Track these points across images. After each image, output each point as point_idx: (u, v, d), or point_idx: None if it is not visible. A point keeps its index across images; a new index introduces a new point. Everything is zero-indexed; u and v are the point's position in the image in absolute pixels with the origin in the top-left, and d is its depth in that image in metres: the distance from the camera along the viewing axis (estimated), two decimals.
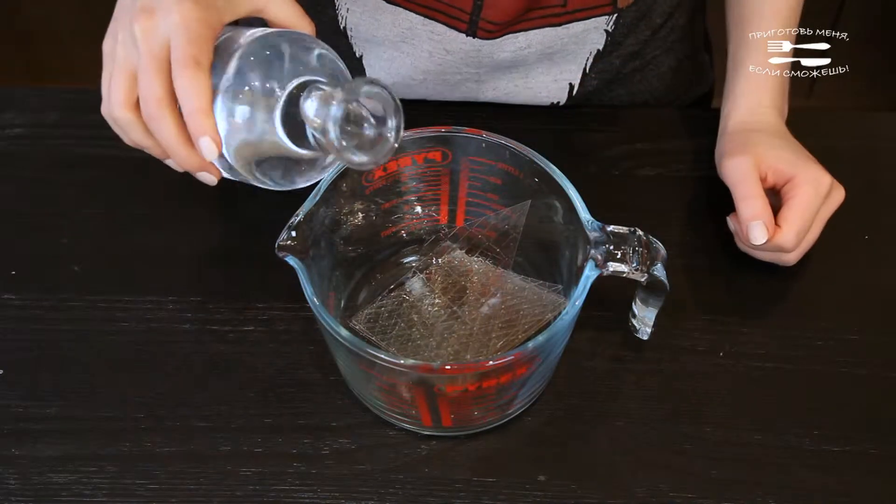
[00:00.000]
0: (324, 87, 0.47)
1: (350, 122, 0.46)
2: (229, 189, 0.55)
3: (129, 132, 0.50)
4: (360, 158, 0.47)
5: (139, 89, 0.47)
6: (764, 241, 0.60)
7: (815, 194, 0.61)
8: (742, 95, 0.69)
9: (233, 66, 0.47)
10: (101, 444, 0.56)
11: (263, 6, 0.51)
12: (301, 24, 0.51)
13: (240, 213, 0.68)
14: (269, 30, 0.50)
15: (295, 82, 0.47)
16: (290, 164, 0.49)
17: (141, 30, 0.46)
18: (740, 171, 0.63)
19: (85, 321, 0.62)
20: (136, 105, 0.48)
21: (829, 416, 0.58)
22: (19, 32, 1.78)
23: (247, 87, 0.47)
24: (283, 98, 0.47)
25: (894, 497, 0.55)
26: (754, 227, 0.60)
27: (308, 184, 0.51)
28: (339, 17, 0.75)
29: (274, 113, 0.47)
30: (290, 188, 0.51)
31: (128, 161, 0.72)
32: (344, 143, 0.45)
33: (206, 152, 0.47)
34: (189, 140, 0.47)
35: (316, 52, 0.49)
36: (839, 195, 0.63)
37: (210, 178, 0.50)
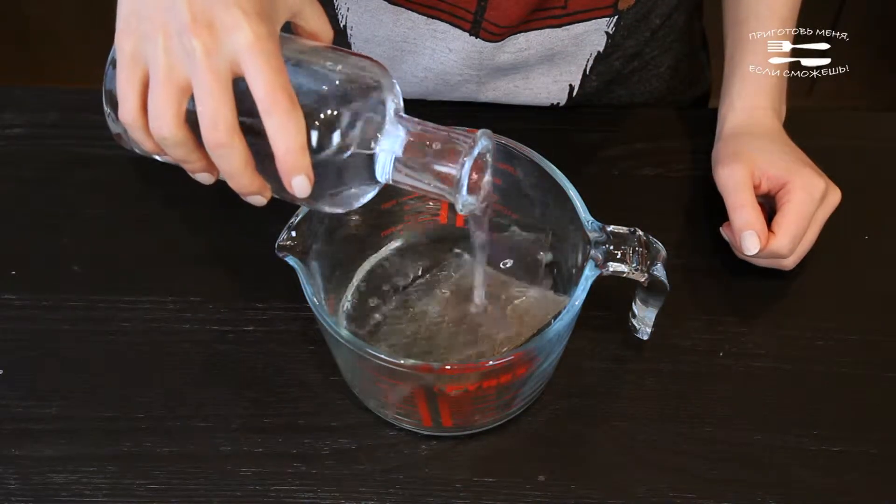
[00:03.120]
0: (430, 129, 0.47)
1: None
2: (230, 189, 0.55)
3: (175, 150, 0.45)
4: (473, 200, 0.49)
5: (203, 112, 0.42)
6: (756, 250, 0.60)
7: (808, 199, 0.61)
8: (739, 97, 0.69)
9: (319, 96, 0.45)
10: (101, 444, 0.56)
11: (299, 11, 0.48)
12: (327, 32, 0.50)
13: (240, 213, 0.67)
14: (326, 46, 0.49)
15: (394, 125, 0.47)
16: (346, 190, 0.48)
17: (202, 46, 0.41)
18: (733, 180, 0.63)
19: (85, 321, 0.62)
20: (185, 122, 0.44)
21: (829, 416, 0.58)
22: (19, 32, 1.78)
23: (336, 121, 0.45)
24: (379, 139, 0.46)
25: (894, 497, 0.55)
26: (747, 237, 0.60)
27: (358, 206, 0.50)
28: (339, 16, 0.75)
29: (366, 152, 0.46)
30: (338, 211, 0.50)
31: (128, 161, 0.72)
32: (467, 192, 0.47)
33: (299, 191, 0.44)
34: (252, 164, 0.44)
35: (384, 80, 0.48)
36: (835, 198, 0.63)
37: (261, 200, 0.47)
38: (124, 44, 0.44)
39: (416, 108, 0.77)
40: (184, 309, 0.63)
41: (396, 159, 0.47)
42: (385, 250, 0.64)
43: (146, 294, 0.64)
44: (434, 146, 0.47)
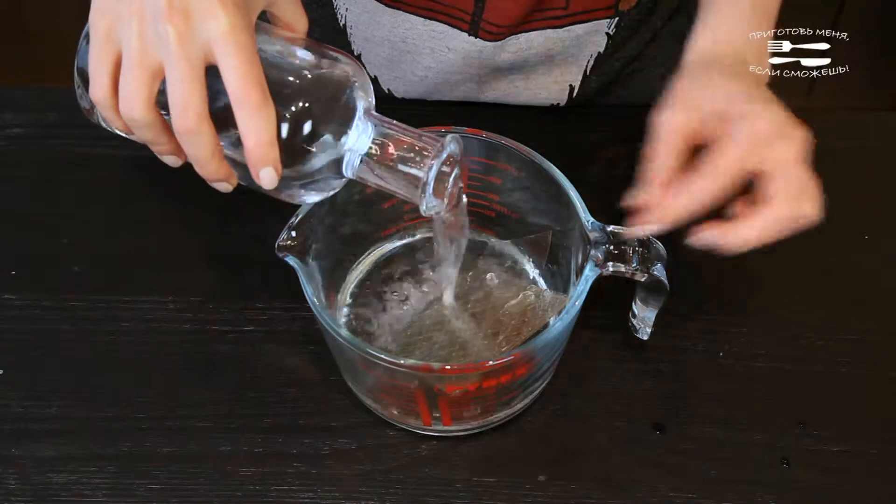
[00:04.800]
0: (402, 132, 0.47)
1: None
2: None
3: (144, 132, 0.45)
4: (437, 204, 0.49)
5: (174, 98, 0.42)
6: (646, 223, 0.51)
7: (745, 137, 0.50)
8: (707, 27, 0.58)
9: (291, 89, 0.45)
10: (101, 444, 0.56)
11: (275, 0, 0.48)
12: (303, 22, 0.50)
13: (240, 213, 0.68)
14: (301, 38, 0.49)
15: (364, 125, 0.47)
16: (312, 183, 0.49)
17: (176, 33, 0.41)
18: (659, 129, 0.52)
19: (85, 321, 0.62)
20: (155, 105, 0.44)
21: (829, 416, 0.58)
22: (19, 32, 1.78)
23: (306, 115, 0.45)
24: (349, 135, 0.47)
25: (894, 497, 0.55)
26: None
27: (322, 198, 0.51)
28: (339, 16, 0.75)
29: (334, 147, 0.46)
30: (303, 202, 0.51)
31: (128, 161, 0.72)
32: (433, 195, 0.48)
33: (266, 182, 0.44)
34: (220, 152, 0.44)
35: (357, 77, 0.48)
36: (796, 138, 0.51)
37: (227, 187, 0.47)
38: (98, 22, 0.44)
39: (416, 108, 0.77)
40: (184, 309, 0.63)
41: (363, 157, 0.47)
42: (385, 250, 0.64)
43: (146, 294, 0.64)
44: (402, 147, 0.47)
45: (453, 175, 0.50)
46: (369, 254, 0.64)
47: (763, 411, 0.58)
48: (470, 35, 0.70)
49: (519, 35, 0.71)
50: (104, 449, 0.56)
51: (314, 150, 0.46)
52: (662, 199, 0.51)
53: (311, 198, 0.50)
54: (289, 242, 0.51)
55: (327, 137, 0.46)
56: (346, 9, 0.74)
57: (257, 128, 0.42)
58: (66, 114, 0.76)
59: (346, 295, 0.62)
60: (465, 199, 0.53)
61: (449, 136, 0.48)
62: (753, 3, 0.59)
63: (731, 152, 0.50)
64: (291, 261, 0.51)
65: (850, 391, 0.59)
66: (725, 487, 0.55)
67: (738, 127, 0.50)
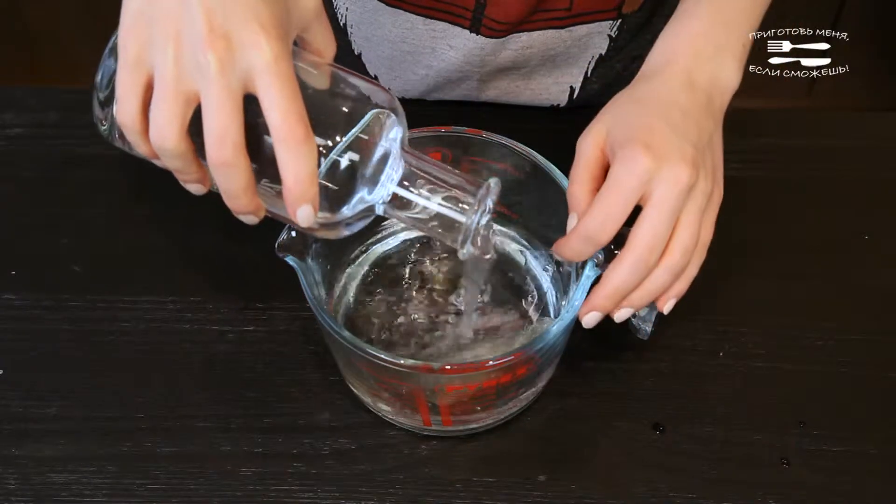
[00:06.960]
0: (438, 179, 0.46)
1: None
2: None
3: (173, 161, 0.42)
4: (471, 250, 0.48)
5: (211, 128, 0.40)
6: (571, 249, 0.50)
7: (627, 173, 0.47)
8: (665, 39, 0.54)
9: (329, 124, 0.43)
10: (101, 444, 0.56)
11: (308, 26, 0.46)
12: (332, 48, 0.48)
13: None
14: (335, 66, 0.47)
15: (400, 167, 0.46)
16: (343, 219, 0.47)
17: (217, 61, 0.39)
18: (579, 147, 0.52)
19: (85, 321, 0.62)
20: (188, 134, 0.42)
21: (829, 416, 0.58)
22: (19, 32, 1.78)
23: (344, 151, 0.43)
24: (388, 176, 0.45)
25: (894, 497, 0.55)
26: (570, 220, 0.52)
27: (348, 234, 0.49)
28: (339, 15, 0.75)
29: (369, 185, 0.45)
30: (329, 237, 0.49)
31: (128, 161, 0.71)
32: (470, 242, 0.47)
33: (302, 220, 0.42)
34: (253, 186, 0.42)
35: (393, 110, 0.46)
36: (688, 180, 0.48)
37: (254, 220, 0.45)
38: (129, 44, 0.42)
39: (416, 107, 0.77)
40: (184, 309, 0.63)
41: (397, 195, 0.46)
42: (385, 249, 0.64)
43: (146, 294, 0.64)
44: (442, 189, 0.46)
45: (488, 219, 0.48)
46: (369, 253, 0.64)
47: (763, 411, 0.58)
48: (471, 32, 0.70)
49: (521, 34, 0.71)
50: (104, 449, 0.56)
51: (349, 186, 0.44)
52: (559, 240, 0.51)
53: (340, 234, 0.48)
54: (289, 242, 0.51)
55: (363, 174, 0.44)
56: (347, 8, 0.74)
57: (299, 165, 0.40)
58: (66, 114, 0.76)
59: (346, 295, 0.62)
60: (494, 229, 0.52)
61: (493, 181, 0.46)
62: (715, 18, 0.55)
63: (608, 196, 0.48)
64: (291, 261, 0.51)
65: (850, 391, 0.59)
66: (725, 487, 0.55)
67: (620, 165, 0.48)
